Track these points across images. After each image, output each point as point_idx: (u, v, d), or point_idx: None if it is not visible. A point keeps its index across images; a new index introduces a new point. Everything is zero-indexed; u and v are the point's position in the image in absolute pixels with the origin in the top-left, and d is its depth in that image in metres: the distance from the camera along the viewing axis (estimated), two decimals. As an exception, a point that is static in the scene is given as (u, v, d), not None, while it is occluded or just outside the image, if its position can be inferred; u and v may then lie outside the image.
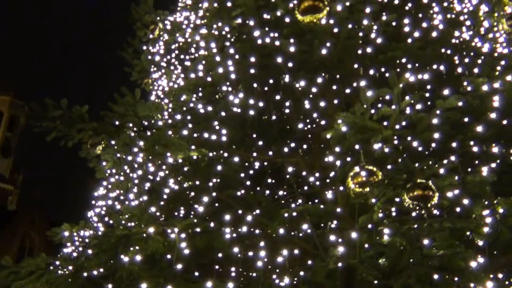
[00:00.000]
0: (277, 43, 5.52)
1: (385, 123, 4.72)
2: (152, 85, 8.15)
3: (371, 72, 5.33)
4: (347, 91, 5.37)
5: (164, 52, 7.62)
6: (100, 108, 5.96)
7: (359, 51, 5.41)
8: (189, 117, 5.80)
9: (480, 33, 5.88)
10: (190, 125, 5.72)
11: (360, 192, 4.34)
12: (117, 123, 5.64)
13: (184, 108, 6.05)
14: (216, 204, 5.37)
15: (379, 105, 4.85)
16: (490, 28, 5.93)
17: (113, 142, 5.60)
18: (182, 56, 7.09)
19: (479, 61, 5.53)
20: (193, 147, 5.41)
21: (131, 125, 5.67)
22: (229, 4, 5.95)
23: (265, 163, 5.75)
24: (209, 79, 6.06)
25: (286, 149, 5.46)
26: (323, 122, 5.35)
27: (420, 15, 5.79)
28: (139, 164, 5.63)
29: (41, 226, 28.93)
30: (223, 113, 5.70)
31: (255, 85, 5.75)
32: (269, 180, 5.70)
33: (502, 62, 5.42)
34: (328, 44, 5.36)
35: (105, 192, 6.36)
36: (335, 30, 5.40)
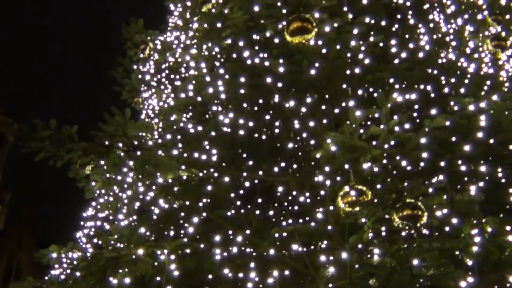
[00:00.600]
0: (266, 63, 5.58)
1: (374, 143, 4.76)
2: (142, 104, 8.16)
3: (360, 92, 5.39)
4: (336, 110, 5.42)
5: (154, 72, 7.66)
6: (90, 127, 5.95)
7: (348, 72, 5.48)
8: (179, 137, 5.81)
9: (466, 54, 5.99)
10: (180, 145, 5.73)
11: (350, 212, 4.36)
12: (106, 143, 5.63)
13: (174, 127, 6.06)
14: (207, 224, 5.34)
15: (369, 122, 4.91)
16: (475, 49, 6.05)
17: (102, 162, 5.57)
18: (172, 76, 7.13)
19: (466, 81, 5.63)
20: (183, 167, 5.40)
21: (120, 145, 5.65)
22: (219, 25, 6.02)
23: (256, 182, 5.76)
24: (199, 98, 6.09)
25: (276, 169, 5.47)
26: (312, 142, 5.39)
27: (407, 36, 5.89)
28: (128, 184, 5.61)
29: (29, 246, 28.50)
30: (213, 133, 5.71)
31: (245, 105, 5.79)
32: (260, 200, 5.69)
33: (488, 82, 5.52)
34: (316, 65, 5.43)
35: (94, 212, 6.31)
36: (324, 50, 5.48)
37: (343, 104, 5.35)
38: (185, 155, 5.62)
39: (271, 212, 5.76)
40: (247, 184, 5.60)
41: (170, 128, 6.04)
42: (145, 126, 6.02)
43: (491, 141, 4.76)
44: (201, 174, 5.36)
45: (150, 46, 7.86)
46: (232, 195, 5.45)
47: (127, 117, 5.71)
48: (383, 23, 5.87)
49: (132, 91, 8.48)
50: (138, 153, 5.63)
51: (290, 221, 5.06)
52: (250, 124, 5.62)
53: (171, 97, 6.81)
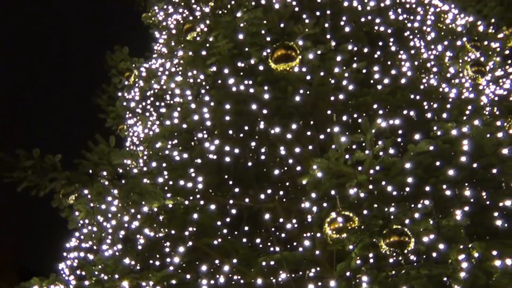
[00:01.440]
0: (251, 90, 5.61)
1: (359, 168, 4.78)
2: (127, 131, 8.12)
3: (344, 118, 5.44)
4: (322, 136, 5.45)
5: (139, 99, 7.63)
6: (74, 156, 5.88)
7: (332, 98, 5.54)
8: (164, 164, 5.77)
9: (447, 79, 6.11)
10: (165, 173, 5.68)
11: (338, 238, 4.34)
12: (90, 171, 5.56)
13: (160, 155, 6.02)
14: (193, 253, 5.26)
15: (354, 146, 4.94)
16: (456, 74, 6.18)
17: (86, 192, 5.49)
18: (157, 103, 7.12)
19: (448, 106, 5.73)
20: (168, 195, 5.35)
21: (105, 173, 5.59)
22: (203, 52, 6.06)
23: (242, 209, 5.72)
24: (184, 126, 6.08)
25: (262, 195, 5.45)
26: (298, 168, 5.39)
27: (389, 63, 6.01)
28: (113, 214, 5.51)
29: (10, 279, 27.70)
30: (199, 160, 5.69)
31: (230, 131, 5.79)
32: (246, 227, 5.65)
33: (469, 107, 5.63)
34: (301, 91, 5.49)
35: (78, 243, 6.17)
36: (308, 77, 5.55)
37: (328, 130, 5.39)
38: (171, 182, 5.57)
39: (258, 240, 5.70)
40: (233, 211, 5.56)
41: (156, 155, 5.99)
42: (130, 154, 5.97)
43: (475, 165, 4.82)
44: (186, 202, 5.30)
45: (135, 73, 7.86)
46: (219, 223, 5.39)
47: (112, 145, 5.67)
48: (365, 50, 5.98)
49: (117, 118, 8.44)
50: (123, 181, 5.58)
51: (277, 248, 5.02)
52: (236, 151, 5.61)
53: (156, 124, 6.78)
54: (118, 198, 5.43)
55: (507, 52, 7.51)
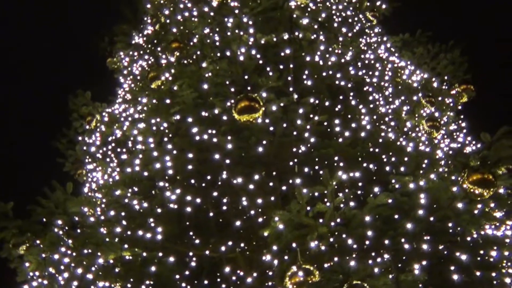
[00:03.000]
0: (214, 139, 5.64)
1: (320, 220, 4.81)
2: (86, 177, 7.93)
3: (306, 169, 5.52)
4: (283, 187, 5.49)
5: (100, 144, 7.53)
6: (27, 202, 5.65)
7: (294, 149, 5.63)
8: (123, 213, 5.61)
9: (404, 133, 6.36)
10: (124, 222, 5.53)
11: (298, 293, 4.29)
12: (44, 220, 5.35)
13: (119, 203, 5.87)
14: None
15: (316, 194, 4.97)
16: (412, 128, 6.44)
17: (38, 241, 5.26)
18: (118, 149, 7.02)
19: (405, 159, 5.92)
20: (126, 246, 5.18)
21: (59, 222, 5.39)
22: (168, 101, 6.09)
23: (202, 261, 5.60)
24: (145, 173, 5.99)
25: (223, 247, 5.36)
26: (260, 219, 5.37)
27: (349, 116, 6.20)
28: (65, 265, 5.27)
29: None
30: (159, 210, 5.58)
31: (192, 181, 5.75)
32: (206, 281, 5.51)
33: (425, 161, 5.84)
34: (264, 142, 5.55)
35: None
36: (271, 128, 5.64)
37: (290, 181, 5.44)
38: (129, 232, 5.41)
39: (218, 293, 5.56)
40: (193, 264, 5.43)
41: (114, 203, 5.83)
42: (88, 201, 5.80)
43: (431, 218, 4.94)
44: (144, 254, 5.15)
45: (97, 118, 7.79)
46: (177, 276, 5.24)
47: (69, 192, 5.52)
48: (326, 103, 6.17)
49: (76, 163, 8.28)
50: (78, 231, 5.39)
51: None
52: (198, 200, 5.55)
53: (116, 171, 6.66)
54: (72, 248, 5.22)
55: (459, 107, 7.95)
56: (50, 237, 5.17)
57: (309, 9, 6.89)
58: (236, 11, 6.74)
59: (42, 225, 5.36)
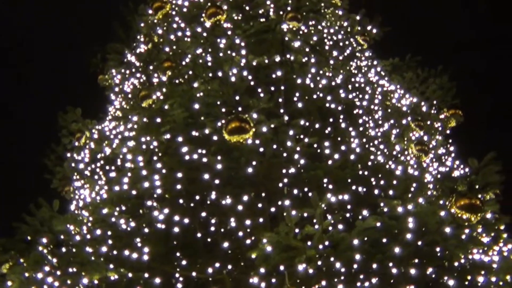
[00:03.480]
0: (204, 159, 5.63)
1: (309, 243, 4.80)
2: (73, 194, 7.85)
3: (295, 191, 5.53)
4: (272, 209, 5.48)
5: (89, 161, 7.47)
6: (13, 219, 5.57)
7: (284, 170, 5.64)
8: (109, 233, 5.55)
9: (393, 156, 6.40)
10: (110, 241, 5.46)
11: (285, 317, 4.25)
12: (29, 237, 5.27)
13: (105, 222, 5.81)
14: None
15: (305, 214, 4.96)
16: (401, 152, 6.49)
17: (22, 260, 5.16)
18: (107, 167, 6.97)
19: (394, 182, 5.96)
20: (111, 266, 5.11)
21: (44, 240, 5.31)
22: (158, 120, 6.09)
23: (189, 282, 5.53)
24: (134, 192, 5.95)
25: (210, 269, 5.31)
26: (248, 241, 5.34)
27: (339, 139, 6.25)
28: (49, 285, 5.17)
29: None
30: (146, 229, 5.52)
31: (181, 200, 5.72)
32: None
33: (414, 184, 5.87)
34: (254, 163, 5.56)
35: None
36: (261, 149, 5.65)
37: (279, 203, 5.43)
38: (115, 252, 5.34)
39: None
40: (179, 285, 5.36)
41: (101, 222, 5.77)
42: (74, 220, 5.73)
43: (419, 242, 4.95)
44: (130, 274, 5.08)
45: (87, 135, 7.75)
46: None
47: (55, 209, 5.45)
48: (317, 125, 6.21)
49: (63, 180, 8.19)
50: (63, 249, 5.31)
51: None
52: (186, 220, 5.51)
53: (104, 189, 6.60)
54: (57, 268, 5.13)
55: (448, 131, 8.06)
56: (34, 256, 5.08)
57: (301, 32, 6.99)
58: (229, 33, 6.83)
59: (27, 243, 5.27)
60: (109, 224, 5.68)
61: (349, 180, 5.73)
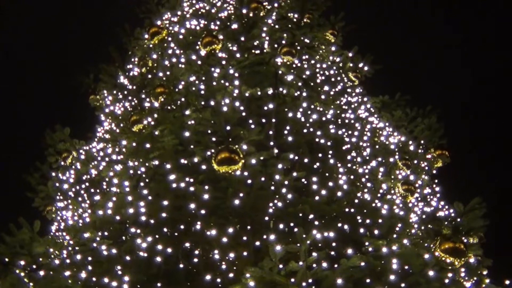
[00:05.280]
0: (191, 188, 5.60)
1: (292, 280, 4.75)
2: (55, 214, 7.73)
3: (281, 226, 5.51)
4: (257, 243, 5.44)
5: (73, 182, 7.39)
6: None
7: (270, 204, 5.63)
8: (90, 258, 5.45)
9: (379, 195, 6.44)
10: (90, 267, 5.35)
11: None
12: (6, 259, 5.15)
13: (86, 246, 5.70)
14: None
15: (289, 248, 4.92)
16: (388, 191, 6.54)
17: (-3, 283, 5.03)
18: (92, 190, 6.90)
19: (380, 220, 5.97)
20: (89, 293, 5.00)
21: (22, 263, 5.20)
22: (147, 145, 6.07)
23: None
24: (118, 217, 5.87)
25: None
26: (231, 275, 5.28)
27: (327, 174, 6.27)
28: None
29: None
30: (128, 257, 5.43)
31: (165, 229, 5.65)
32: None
33: (399, 224, 5.89)
34: (241, 194, 5.54)
35: None
36: (249, 181, 5.65)
37: (264, 236, 5.40)
38: (94, 279, 5.23)
39: None
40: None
41: (82, 247, 5.67)
42: (54, 243, 5.63)
43: (403, 284, 4.94)
44: (108, 304, 4.97)
45: (73, 155, 7.69)
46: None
47: (36, 230, 5.35)
48: (305, 160, 6.24)
49: (46, 199, 8.07)
50: (41, 273, 5.20)
51: None
52: (169, 250, 5.44)
53: (87, 212, 6.51)
54: (33, 292, 5.00)
55: (434, 172, 8.15)
56: (11, 279, 4.97)
57: (294, 66, 7.09)
58: (223, 62, 6.91)
59: (4, 264, 5.16)
60: (90, 249, 5.59)
61: (335, 217, 5.73)
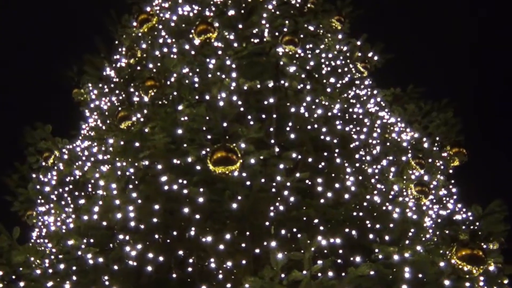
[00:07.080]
0: (185, 191, 5.62)
1: (295, 290, 4.78)
2: (36, 219, 7.76)
3: (283, 231, 5.53)
4: (257, 250, 5.46)
5: (56, 184, 7.42)
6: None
7: (271, 208, 5.64)
8: (74, 268, 5.48)
9: (391, 197, 6.46)
10: (74, 277, 5.39)
11: None
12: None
13: (70, 255, 5.74)
14: None
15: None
16: (400, 192, 6.56)
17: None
18: (76, 193, 6.93)
19: (391, 225, 5.99)
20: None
21: (0, 273, 5.25)
22: (137, 144, 6.09)
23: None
24: (104, 223, 5.90)
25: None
26: (229, 285, 5.31)
27: (333, 175, 6.29)
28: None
29: None
30: (115, 266, 5.46)
31: (156, 236, 5.68)
32: None
33: (412, 229, 5.92)
34: (239, 197, 5.56)
35: None
36: (248, 183, 5.66)
37: (265, 243, 5.42)
38: (79, 290, 5.28)
39: None
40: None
41: (65, 255, 5.70)
42: (35, 251, 5.66)
43: (416, 295, 4.97)
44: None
45: (56, 154, 7.71)
46: None
47: (15, 237, 5.39)
48: (309, 159, 6.25)
49: (26, 203, 8.10)
50: (21, 284, 5.24)
51: None
52: (160, 258, 5.47)
53: (71, 217, 6.55)
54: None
55: (450, 171, 8.16)
56: (-12, 290, 5.01)
57: (297, 56, 7.09)
58: (219, 53, 6.90)
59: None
60: (74, 257, 5.62)
61: (342, 222, 5.76)
